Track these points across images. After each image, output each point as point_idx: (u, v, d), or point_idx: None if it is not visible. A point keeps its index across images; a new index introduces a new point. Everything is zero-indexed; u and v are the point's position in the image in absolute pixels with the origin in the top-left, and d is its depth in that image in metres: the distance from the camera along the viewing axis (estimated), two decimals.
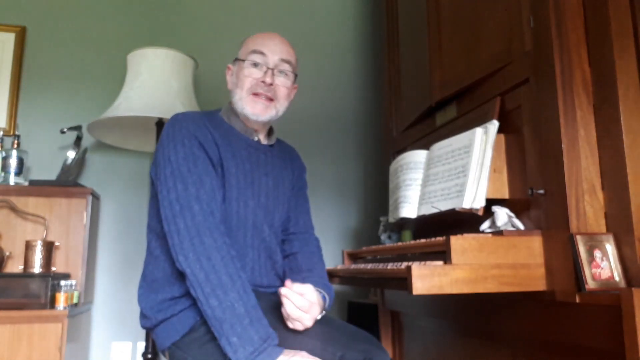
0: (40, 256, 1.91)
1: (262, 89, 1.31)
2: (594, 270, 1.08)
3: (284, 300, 1.12)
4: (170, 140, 1.21)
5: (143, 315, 1.26)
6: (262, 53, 1.32)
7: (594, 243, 1.09)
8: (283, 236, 1.43)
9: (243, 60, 1.34)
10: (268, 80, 1.31)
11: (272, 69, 1.32)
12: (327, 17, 2.81)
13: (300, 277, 1.31)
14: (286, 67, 1.35)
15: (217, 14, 2.66)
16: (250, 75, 1.32)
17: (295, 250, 1.42)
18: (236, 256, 1.14)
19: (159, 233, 1.23)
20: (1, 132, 2.16)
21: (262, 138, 1.39)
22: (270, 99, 1.32)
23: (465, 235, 1.16)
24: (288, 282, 1.13)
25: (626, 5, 1.18)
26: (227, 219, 1.25)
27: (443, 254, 1.15)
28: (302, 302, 1.12)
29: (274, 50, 1.33)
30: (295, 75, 1.39)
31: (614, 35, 1.15)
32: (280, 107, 1.35)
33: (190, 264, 1.10)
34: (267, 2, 2.73)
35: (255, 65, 1.32)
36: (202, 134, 1.24)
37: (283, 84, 1.35)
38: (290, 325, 1.15)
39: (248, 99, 1.31)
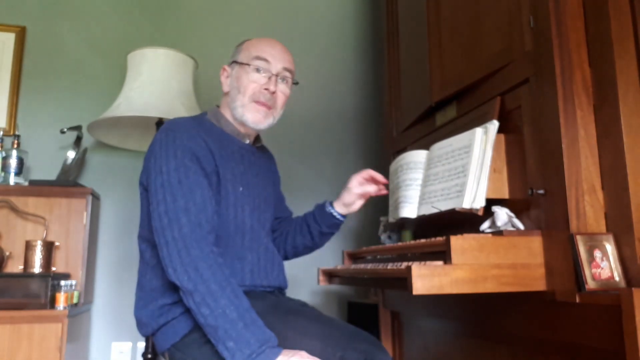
0: (40, 256, 1.91)
1: (264, 97, 1.32)
2: (594, 270, 1.08)
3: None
4: (163, 151, 1.21)
5: (143, 324, 1.25)
6: (266, 60, 1.33)
7: (594, 243, 1.09)
8: (275, 227, 1.52)
9: (247, 65, 1.33)
10: (272, 87, 1.32)
11: (276, 76, 1.33)
12: (327, 17, 2.80)
13: (301, 220, 1.51)
14: (287, 75, 1.36)
15: (217, 14, 2.66)
16: (255, 82, 1.32)
17: (286, 227, 1.54)
18: (224, 263, 1.14)
19: (153, 242, 1.22)
20: (1, 132, 2.16)
21: (250, 140, 1.42)
22: (270, 107, 1.33)
23: (465, 235, 1.16)
24: None
25: (626, 6, 1.18)
26: (225, 225, 1.25)
27: (443, 254, 1.15)
28: None
29: (278, 59, 1.34)
30: (293, 84, 1.41)
31: (614, 35, 1.15)
32: (277, 115, 1.37)
33: (179, 276, 1.10)
34: (267, 2, 2.73)
35: (258, 70, 1.32)
36: (196, 143, 1.23)
37: (283, 92, 1.36)
38: None
39: (250, 106, 1.32)
